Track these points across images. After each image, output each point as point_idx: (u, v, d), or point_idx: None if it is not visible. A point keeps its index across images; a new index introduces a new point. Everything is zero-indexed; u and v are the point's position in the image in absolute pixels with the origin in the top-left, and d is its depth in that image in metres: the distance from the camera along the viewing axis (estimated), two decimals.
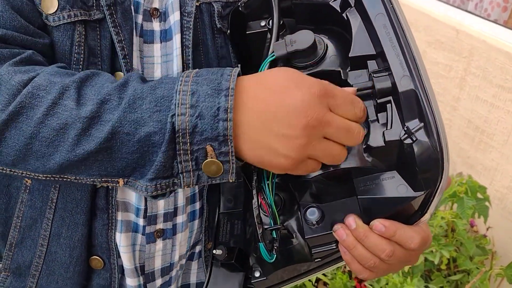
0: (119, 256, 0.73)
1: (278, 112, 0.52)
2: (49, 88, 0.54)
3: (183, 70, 0.68)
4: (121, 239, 0.72)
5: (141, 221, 0.72)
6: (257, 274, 0.69)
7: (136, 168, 0.54)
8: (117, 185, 0.56)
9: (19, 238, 0.72)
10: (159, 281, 0.76)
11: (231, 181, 0.56)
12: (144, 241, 0.73)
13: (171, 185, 0.55)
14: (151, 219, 0.72)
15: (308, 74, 0.62)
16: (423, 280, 1.74)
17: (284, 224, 0.67)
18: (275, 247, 0.65)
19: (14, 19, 0.58)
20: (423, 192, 0.57)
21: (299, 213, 0.65)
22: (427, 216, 0.60)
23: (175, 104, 0.52)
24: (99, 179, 0.56)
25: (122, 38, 0.62)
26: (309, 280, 2.01)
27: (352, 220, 0.59)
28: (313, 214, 0.62)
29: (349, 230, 0.60)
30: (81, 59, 0.63)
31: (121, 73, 0.63)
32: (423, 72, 0.57)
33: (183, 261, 0.80)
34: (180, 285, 0.82)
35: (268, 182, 0.64)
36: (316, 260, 0.67)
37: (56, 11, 0.60)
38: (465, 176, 1.92)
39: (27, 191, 0.70)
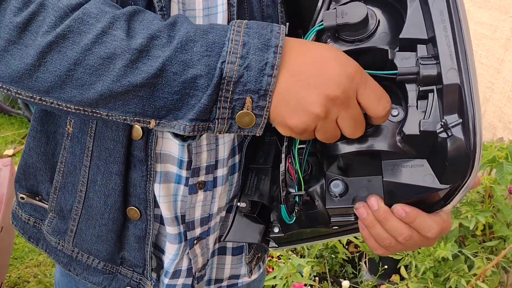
0: (156, 207, 0.75)
1: (315, 75, 0.54)
2: (99, 16, 0.53)
3: None
4: (160, 190, 0.73)
5: (184, 173, 0.73)
6: (276, 230, 0.72)
7: (171, 110, 0.55)
8: (148, 125, 0.56)
9: (62, 182, 0.76)
10: (198, 230, 0.78)
11: (258, 134, 0.58)
12: (186, 192, 0.74)
13: (206, 128, 0.56)
14: (194, 172, 0.73)
15: (354, 49, 0.61)
16: (457, 245, 1.72)
17: (309, 190, 0.68)
18: (296, 210, 0.66)
19: None
20: (448, 186, 0.57)
21: (324, 182, 0.65)
22: (448, 207, 0.59)
23: (227, 52, 0.53)
24: (132, 117, 0.56)
25: None
26: (340, 242, 2.02)
27: (375, 201, 0.60)
28: (337, 187, 0.63)
29: (370, 210, 0.61)
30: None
31: None
32: (471, 67, 0.55)
33: (223, 213, 0.82)
34: (218, 236, 0.84)
35: (303, 146, 0.65)
36: (333, 228, 0.68)
37: None
38: (506, 141, 1.86)
39: (69, 138, 0.73)
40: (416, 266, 1.72)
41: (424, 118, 0.56)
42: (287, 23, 0.72)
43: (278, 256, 1.92)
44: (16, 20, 0.53)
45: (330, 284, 1.96)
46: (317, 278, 1.89)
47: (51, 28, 0.53)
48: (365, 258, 2.06)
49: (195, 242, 0.79)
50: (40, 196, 0.80)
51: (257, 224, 0.74)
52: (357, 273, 2.06)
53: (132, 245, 0.77)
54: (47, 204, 0.80)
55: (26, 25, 0.53)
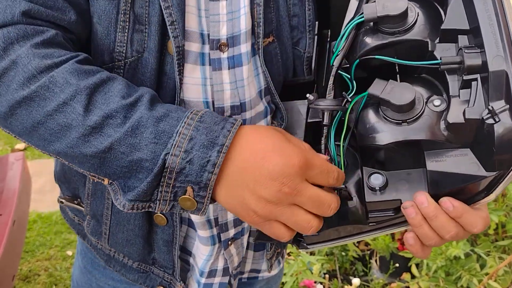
0: (180, 221, 0.76)
1: (258, 173, 0.56)
2: (64, 87, 0.57)
3: (252, 29, 0.68)
4: None
5: None
6: None
7: (122, 177, 0.59)
8: (103, 182, 0.61)
9: (92, 189, 0.78)
10: (232, 231, 0.79)
11: (200, 216, 0.63)
12: None
13: (146, 207, 0.59)
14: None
15: (394, 41, 0.62)
16: (469, 244, 1.71)
17: (345, 185, 0.67)
18: None
19: None
20: (494, 174, 0.57)
21: (361, 177, 0.65)
22: (491, 197, 0.59)
23: (172, 144, 0.56)
24: (88, 173, 0.61)
25: (169, 4, 0.62)
26: None
27: (424, 197, 0.60)
28: (377, 180, 0.63)
29: (419, 208, 0.60)
30: (126, 26, 0.64)
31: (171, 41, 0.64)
32: None
33: None
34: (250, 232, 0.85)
35: (339, 143, 0.65)
36: (370, 224, 0.67)
37: None
38: None
39: None
40: (427, 265, 1.71)
41: (468, 106, 0.57)
42: (317, 22, 0.72)
43: (288, 253, 1.92)
44: None
45: (340, 281, 1.96)
46: (327, 276, 1.89)
47: (20, 87, 0.57)
48: (376, 256, 2.05)
49: (229, 243, 0.80)
50: (79, 199, 0.83)
51: None
52: (367, 271, 2.05)
53: (161, 248, 0.78)
54: (83, 208, 0.82)
55: (0, 77, 0.58)
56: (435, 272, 1.72)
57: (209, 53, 0.67)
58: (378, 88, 0.61)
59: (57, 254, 2.49)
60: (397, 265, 1.92)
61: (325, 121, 0.66)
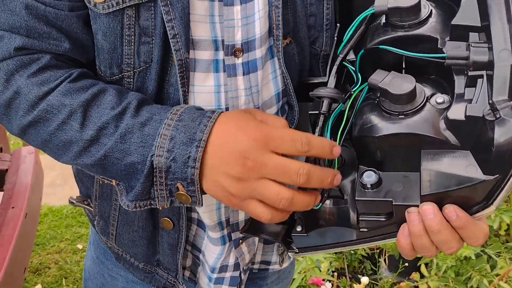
0: (193, 212, 0.77)
1: (227, 155, 0.59)
2: (60, 108, 0.64)
3: (269, 32, 0.68)
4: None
5: None
6: (298, 228, 0.68)
7: (124, 178, 0.65)
8: (111, 183, 0.70)
9: (99, 191, 0.80)
10: None
11: (199, 207, 0.67)
12: None
13: (148, 204, 0.64)
14: None
15: (404, 36, 0.61)
16: None
17: (339, 184, 0.65)
18: (325, 196, 0.64)
19: (37, 27, 0.64)
20: (492, 178, 0.53)
21: (356, 175, 0.63)
22: (492, 208, 0.56)
23: (155, 146, 0.61)
24: (98, 176, 0.74)
25: (172, 17, 0.62)
26: None
27: (431, 209, 0.56)
28: (369, 177, 0.60)
29: (424, 219, 0.57)
30: (132, 40, 0.65)
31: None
32: None
33: None
34: None
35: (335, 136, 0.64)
36: (361, 229, 0.64)
37: (105, 0, 0.62)
38: None
39: None
40: (437, 265, 1.71)
41: (471, 103, 0.54)
42: (338, 25, 0.72)
43: None
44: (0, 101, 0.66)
45: (348, 280, 1.95)
46: (335, 274, 1.89)
47: (25, 113, 0.65)
48: (385, 255, 2.04)
49: (240, 241, 0.80)
50: (89, 200, 0.84)
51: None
52: (376, 269, 2.04)
53: (165, 251, 0.79)
54: (92, 208, 0.84)
55: (8, 105, 0.66)
56: (444, 272, 1.71)
57: (223, 59, 0.68)
58: (378, 77, 0.60)
59: (67, 248, 2.51)
60: (406, 264, 1.92)
61: (323, 109, 0.64)
